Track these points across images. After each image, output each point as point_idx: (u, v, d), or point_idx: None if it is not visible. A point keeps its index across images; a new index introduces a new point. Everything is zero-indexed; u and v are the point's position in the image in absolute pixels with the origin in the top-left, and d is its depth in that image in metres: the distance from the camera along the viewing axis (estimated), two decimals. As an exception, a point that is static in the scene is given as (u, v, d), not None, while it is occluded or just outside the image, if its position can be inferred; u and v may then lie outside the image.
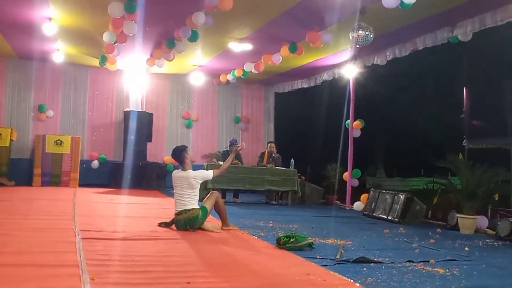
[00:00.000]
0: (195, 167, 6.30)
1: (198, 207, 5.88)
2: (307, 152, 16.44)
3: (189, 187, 5.91)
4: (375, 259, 4.53)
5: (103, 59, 11.33)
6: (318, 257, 4.52)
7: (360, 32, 7.66)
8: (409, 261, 4.55)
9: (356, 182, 11.53)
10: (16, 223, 5.66)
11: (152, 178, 12.78)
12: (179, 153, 6.20)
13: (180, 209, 5.83)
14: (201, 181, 6.04)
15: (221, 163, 10.50)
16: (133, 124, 12.64)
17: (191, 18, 8.13)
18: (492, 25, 7.62)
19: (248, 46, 10.37)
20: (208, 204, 6.02)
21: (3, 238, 4.60)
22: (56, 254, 4.02)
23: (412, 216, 8.36)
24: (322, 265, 4.15)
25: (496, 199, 8.02)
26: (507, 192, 8.48)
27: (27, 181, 12.15)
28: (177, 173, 6.10)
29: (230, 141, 11.56)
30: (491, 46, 10.83)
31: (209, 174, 6.12)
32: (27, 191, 10.59)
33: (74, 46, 11.15)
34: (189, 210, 5.78)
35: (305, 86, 14.02)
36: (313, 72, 13.01)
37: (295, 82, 14.38)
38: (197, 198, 6.00)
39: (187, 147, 6.38)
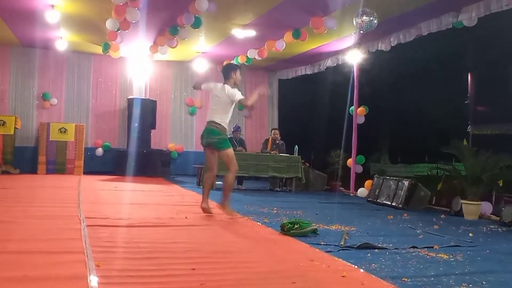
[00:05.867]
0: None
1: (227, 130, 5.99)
2: (311, 139, 16.48)
3: (220, 100, 5.95)
4: (379, 245, 4.54)
5: (106, 47, 11.30)
6: (322, 243, 4.54)
7: (364, 17, 7.60)
8: (413, 247, 4.55)
9: (360, 169, 11.52)
10: (22, 210, 5.69)
11: (156, 165, 12.80)
12: (228, 69, 6.20)
13: (210, 119, 5.94)
14: (231, 98, 5.93)
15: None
16: (137, 112, 12.63)
17: (194, 5, 8.09)
18: (498, 10, 7.55)
19: (251, 33, 10.32)
20: (233, 164, 5.97)
21: (9, 226, 4.63)
22: (61, 241, 4.05)
23: (416, 202, 8.36)
24: (326, 251, 4.16)
25: (501, 185, 8.00)
26: (512, 178, 8.47)
27: (32, 169, 12.20)
28: (216, 84, 6.13)
29: (233, 128, 11.56)
30: (496, 31, 10.75)
31: (238, 95, 5.96)
32: (32, 179, 10.64)
33: (77, 34, 11.12)
34: (219, 124, 5.87)
35: (308, 72, 13.95)
36: (316, 59, 12.94)
37: (298, 68, 14.31)
38: (228, 119, 5.99)
39: (239, 68, 6.32)
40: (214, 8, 8.32)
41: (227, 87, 6.03)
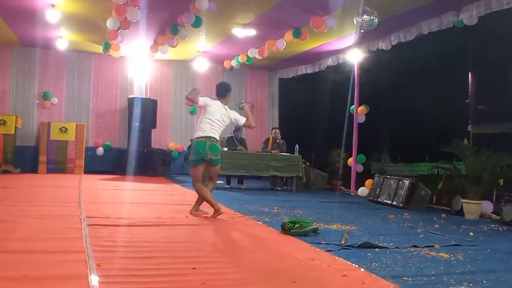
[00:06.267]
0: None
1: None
2: (312, 138, 16.44)
3: (221, 121, 6.06)
4: (380, 244, 4.54)
5: (107, 46, 11.30)
6: (323, 242, 4.54)
7: (365, 16, 7.60)
8: (414, 246, 4.56)
9: (360, 168, 11.51)
10: (23, 209, 5.70)
11: (157, 165, 12.79)
12: (225, 90, 6.28)
13: (209, 135, 5.98)
14: (232, 121, 6.20)
15: (225, 149, 10.55)
16: (137, 111, 12.62)
17: (194, 4, 8.09)
18: (498, 9, 7.54)
19: (252, 32, 10.32)
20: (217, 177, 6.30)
21: (10, 225, 4.63)
22: (62, 241, 4.05)
23: (417, 202, 8.35)
24: (327, 251, 4.17)
25: (501, 184, 7.99)
26: (512, 177, 8.46)
27: (33, 168, 12.20)
28: (215, 101, 6.15)
29: (234, 127, 11.55)
30: (496, 30, 10.75)
31: (241, 119, 6.24)
32: (32, 178, 10.64)
33: (77, 33, 11.11)
34: (218, 141, 6.04)
35: (309, 71, 13.95)
36: (317, 58, 12.94)
37: (299, 67, 14.31)
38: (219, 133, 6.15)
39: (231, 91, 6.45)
40: (215, 7, 8.32)
41: (228, 109, 6.21)
